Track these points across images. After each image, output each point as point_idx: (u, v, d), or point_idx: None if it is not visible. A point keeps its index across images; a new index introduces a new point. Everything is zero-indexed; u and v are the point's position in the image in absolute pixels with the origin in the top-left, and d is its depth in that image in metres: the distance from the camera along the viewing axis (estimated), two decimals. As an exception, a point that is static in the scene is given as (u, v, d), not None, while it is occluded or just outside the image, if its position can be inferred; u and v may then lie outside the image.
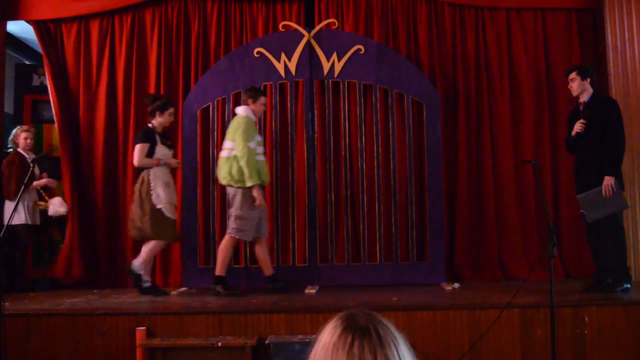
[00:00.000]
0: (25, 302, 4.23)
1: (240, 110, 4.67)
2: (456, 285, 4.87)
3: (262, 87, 5.34)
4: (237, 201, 4.53)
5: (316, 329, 1.09)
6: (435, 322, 3.67)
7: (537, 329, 3.63)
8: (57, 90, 5.59)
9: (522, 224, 5.51)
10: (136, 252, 5.43)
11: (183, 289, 4.94)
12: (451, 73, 5.67)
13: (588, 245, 4.51)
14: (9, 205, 5.09)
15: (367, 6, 5.68)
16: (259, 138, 4.69)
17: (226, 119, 5.34)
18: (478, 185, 5.55)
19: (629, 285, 4.19)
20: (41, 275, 5.51)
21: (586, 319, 3.63)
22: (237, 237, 4.56)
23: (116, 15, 5.71)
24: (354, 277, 5.12)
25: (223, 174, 4.60)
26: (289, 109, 5.39)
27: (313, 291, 4.64)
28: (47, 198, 5.28)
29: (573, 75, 4.43)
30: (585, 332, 3.62)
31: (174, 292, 4.73)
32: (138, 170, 4.76)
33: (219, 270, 4.53)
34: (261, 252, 4.66)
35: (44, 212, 5.29)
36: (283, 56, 5.30)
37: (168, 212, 4.58)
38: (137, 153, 4.59)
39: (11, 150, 5.41)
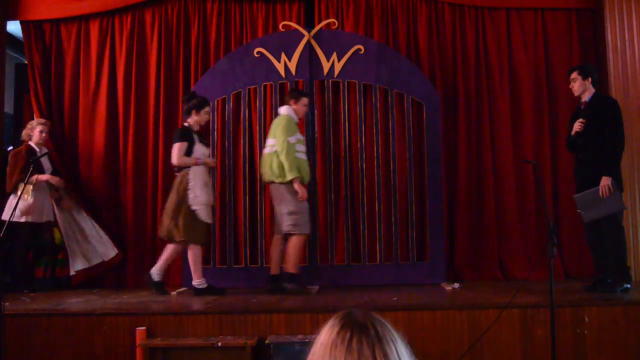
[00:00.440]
0: (25, 302, 4.23)
1: (283, 110, 4.74)
2: (456, 285, 4.86)
3: (262, 87, 5.35)
4: (283, 198, 4.55)
5: (316, 328, 1.10)
6: (435, 322, 3.66)
7: (537, 329, 3.62)
8: (44, 93, 5.57)
9: (522, 224, 5.50)
10: (136, 252, 5.47)
11: (183, 289, 4.94)
12: (451, 73, 5.66)
13: (588, 245, 4.51)
14: (12, 201, 4.87)
15: (367, 6, 5.67)
16: (300, 136, 4.70)
17: (226, 118, 5.35)
18: (478, 185, 5.55)
19: (629, 285, 4.19)
20: (41, 275, 5.50)
21: (586, 319, 3.63)
22: (296, 232, 4.55)
23: (116, 15, 5.71)
24: (354, 277, 5.12)
25: (265, 169, 4.65)
26: (288, 109, 5.38)
27: (313, 291, 4.64)
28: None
29: (574, 75, 4.42)
30: (585, 332, 3.62)
31: (174, 292, 4.73)
32: (172, 170, 4.73)
33: (292, 268, 4.54)
34: (275, 249, 4.68)
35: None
36: (283, 56, 5.31)
37: (202, 215, 4.53)
38: (176, 152, 4.56)
39: (11, 150, 5.38)
